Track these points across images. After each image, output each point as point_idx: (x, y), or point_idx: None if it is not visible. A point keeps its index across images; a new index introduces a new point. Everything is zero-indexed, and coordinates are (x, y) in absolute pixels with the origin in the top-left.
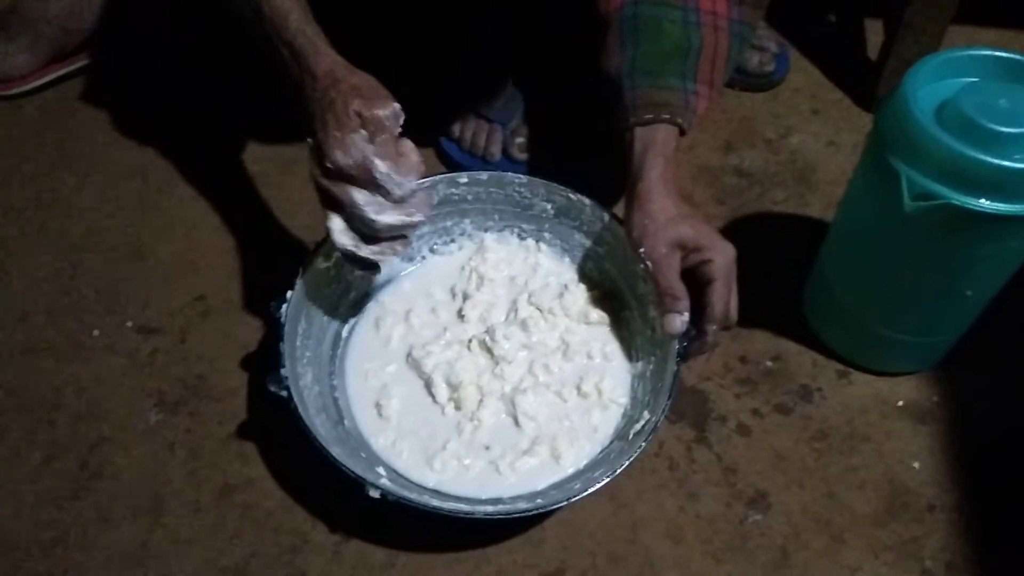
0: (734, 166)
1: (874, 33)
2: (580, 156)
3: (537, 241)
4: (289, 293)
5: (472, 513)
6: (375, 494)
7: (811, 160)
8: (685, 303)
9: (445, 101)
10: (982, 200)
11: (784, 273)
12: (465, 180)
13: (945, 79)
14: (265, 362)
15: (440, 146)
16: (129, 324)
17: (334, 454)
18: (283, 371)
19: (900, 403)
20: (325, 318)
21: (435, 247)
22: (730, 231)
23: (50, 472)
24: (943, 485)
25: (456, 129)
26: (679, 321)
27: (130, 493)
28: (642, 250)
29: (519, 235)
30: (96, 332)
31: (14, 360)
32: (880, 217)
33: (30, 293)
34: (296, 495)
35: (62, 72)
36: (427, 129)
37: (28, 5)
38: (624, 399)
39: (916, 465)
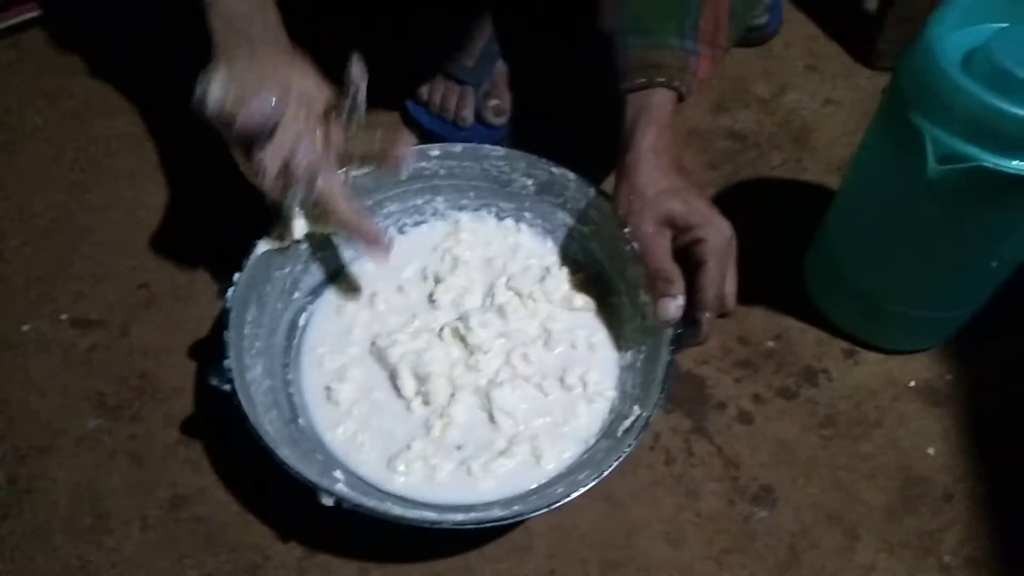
0: (726, 128)
1: None
2: (564, 121)
3: (517, 221)
4: (237, 275)
5: (439, 523)
6: (328, 502)
7: (808, 120)
8: (679, 286)
9: (410, 59)
10: (1018, 161)
11: (783, 244)
12: (437, 153)
13: (972, 24)
14: (211, 360)
15: (406, 110)
16: (63, 317)
17: (283, 456)
18: (227, 362)
19: (912, 383)
20: (279, 304)
21: (404, 227)
22: (724, 199)
23: None
24: (961, 472)
25: (424, 91)
26: (673, 306)
27: (67, 509)
28: (627, 229)
29: (497, 214)
30: (26, 327)
31: None
32: (898, 182)
33: None
34: (254, 506)
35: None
36: (392, 91)
37: None
38: (612, 392)
39: (931, 451)
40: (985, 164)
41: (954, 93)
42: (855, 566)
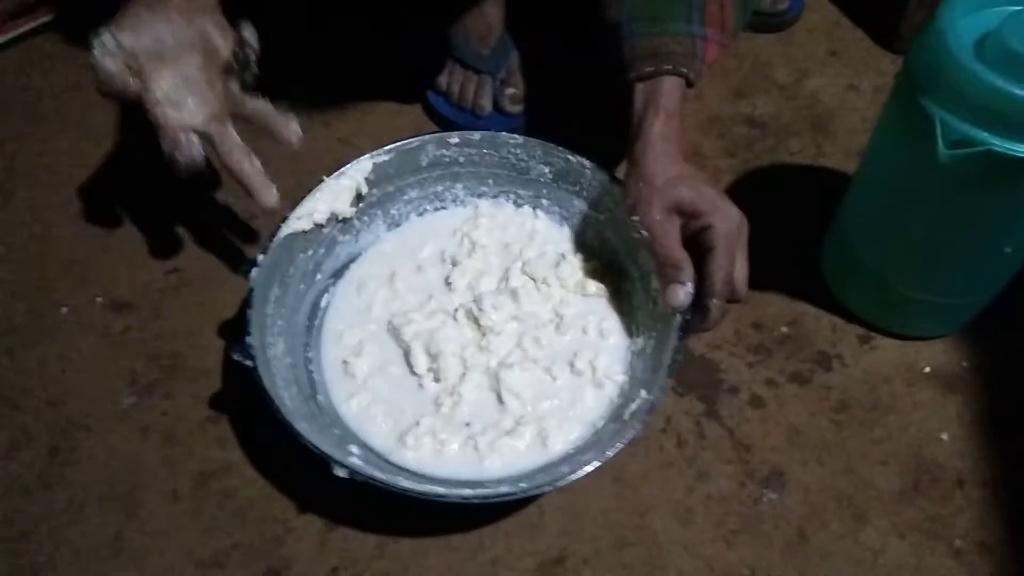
0: (745, 114)
1: None
2: (580, 108)
3: (534, 208)
4: (260, 256)
5: (447, 496)
6: (342, 473)
7: (829, 106)
8: (687, 272)
9: (429, 51)
10: None
11: (801, 230)
12: (456, 140)
13: (985, 8)
14: (235, 336)
15: (427, 100)
16: (99, 300)
17: (300, 429)
18: (249, 339)
19: (927, 370)
20: (302, 286)
21: (425, 213)
22: (742, 186)
23: (18, 460)
24: (974, 458)
25: (443, 81)
26: (681, 292)
27: (102, 481)
28: (636, 217)
29: (515, 201)
30: (65, 309)
31: None
32: (910, 167)
33: None
34: (278, 481)
35: (24, 29)
36: (412, 82)
37: None
38: (620, 377)
39: (944, 437)
40: (996, 149)
41: (965, 78)
42: (864, 549)
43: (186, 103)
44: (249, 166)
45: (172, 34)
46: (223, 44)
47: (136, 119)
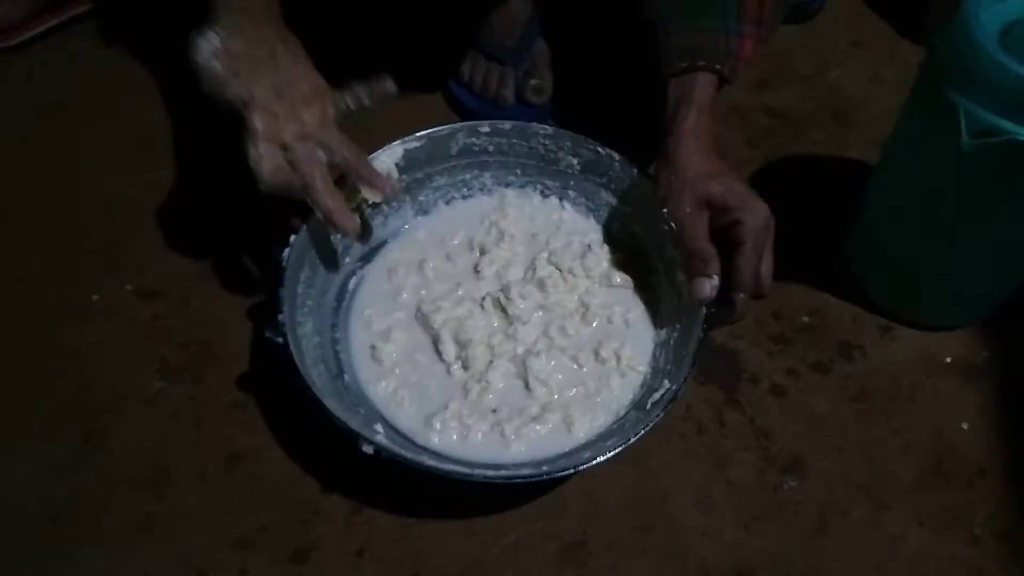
0: (767, 105)
1: None
2: (604, 99)
3: (561, 199)
4: (293, 237)
5: (470, 475)
6: (368, 449)
7: (851, 97)
8: (714, 266)
9: (452, 40)
10: None
11: (823, 221)
12: (487, 129)
13: None
14: (267, 315)
15: (449, 90)
16: (129, 287)
17: (329, 406)
18: (280, 317)
19: (948, 360)
20: (331, 267)
21: (452, 200)
22: (764, 176)
23: (51, 443)
24: (994, 447)
25: (465, 71)
26: (708, 286)
27: (133, 464)
28: (666, 209)
29: (542, 192)
30: (96, 297)
31: (12, 326)
32: (933, 157)
33: (27, 256)
34: (305, 464)
35: (55, 22)
36: (435, 71)
37: None
38: (644, 367)
39: (965, 426)
40: (1019, 137)
41: (989, 67)
42: (884, 536)
43: (278, 114)
44: (326, 191)
45: (269, 47)
46: (310, 78)
47: (176, 113)
